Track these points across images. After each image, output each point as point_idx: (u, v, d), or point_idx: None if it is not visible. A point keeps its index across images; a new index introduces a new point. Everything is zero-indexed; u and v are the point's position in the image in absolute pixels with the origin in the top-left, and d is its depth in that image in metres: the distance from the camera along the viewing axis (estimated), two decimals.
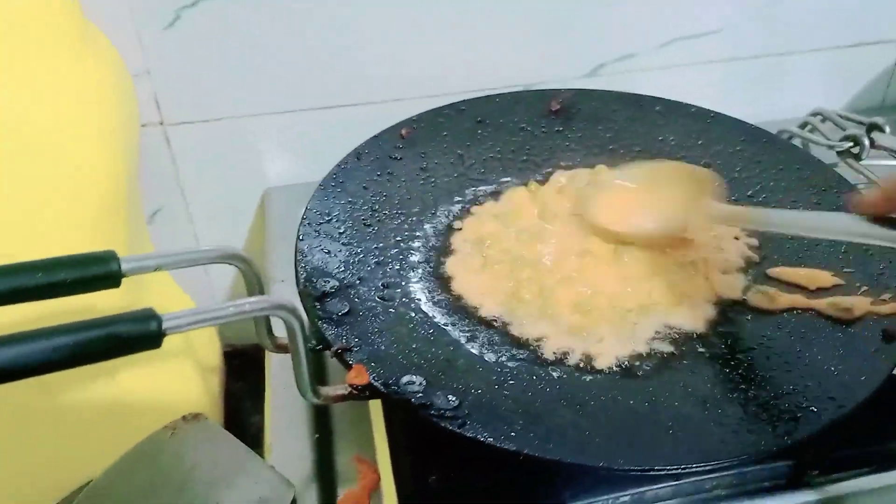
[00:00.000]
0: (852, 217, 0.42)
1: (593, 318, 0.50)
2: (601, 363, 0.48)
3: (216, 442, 0.48)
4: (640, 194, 0.57)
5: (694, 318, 0.51)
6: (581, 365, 0.48)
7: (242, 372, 0.80)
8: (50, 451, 0.59)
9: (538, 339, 0.50)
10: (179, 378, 0.66)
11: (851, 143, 0.69)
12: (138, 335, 0.33)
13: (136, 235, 0.64)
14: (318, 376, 0.55)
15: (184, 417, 0.49)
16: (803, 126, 0.75)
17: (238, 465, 0.46)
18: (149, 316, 0.33)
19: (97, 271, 0.35)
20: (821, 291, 0.52)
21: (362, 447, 0.50)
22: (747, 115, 0.69)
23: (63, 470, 0.57)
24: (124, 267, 0.36)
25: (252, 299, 0.37)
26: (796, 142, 0.74)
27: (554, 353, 0.49)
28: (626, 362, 0.48)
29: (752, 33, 0.80)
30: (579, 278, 0.53)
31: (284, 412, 0.53)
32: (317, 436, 0.51)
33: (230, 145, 0.74)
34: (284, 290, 0.62)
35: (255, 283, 0.43)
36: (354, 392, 0.43)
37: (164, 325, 0.33)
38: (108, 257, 0.36)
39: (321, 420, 0.52)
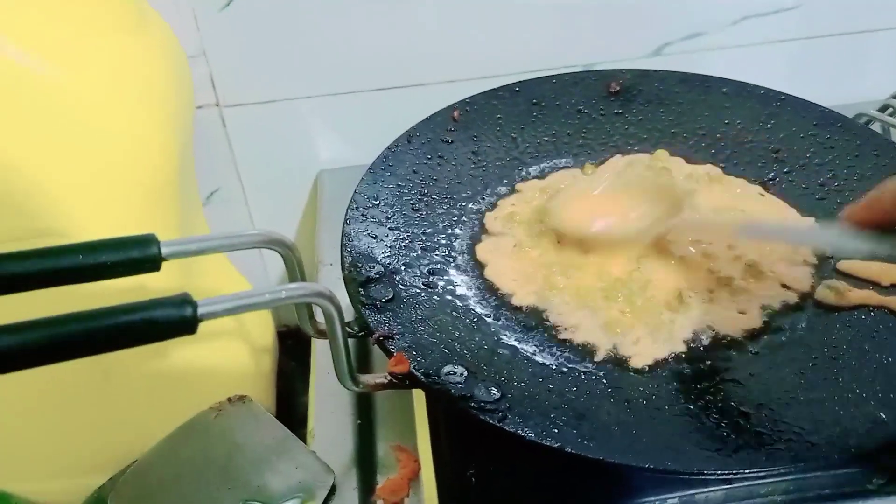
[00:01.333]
0: (837, 228, 0.39)
1: (630, 314, 0.48)
2: (637, 362, 0.46)
3: (260, 424, 0.48)
4: (608, 200, 0.55)
5: (749, 316, 0.48)
6: (624, 362, 0.46)
7: (295, 351, 0.80)
8: (104, 426, 0.61)
9: (568, 330, 0.48)
10: (231, 357, 0.66)
11: None
12: (173, 320, 0.32)
13: (190, 216, 0.65)
14: (363, 363, 0.56)
15: (229, 399, 0.49)
16: (884, 109, 0.70)
17: (280, 449, 0.46)
18: (184, 301, 0.33)
19: (137, 254, 0.36)
20: (895, 287, 0.48)
21: (404, 435, 0.49)
22: (824, 97, 0.65)
23: (117, 444, 0.59)
24: (164, 251, 0.36)
25: (291, 286, 0.37)
26: (876, 126, 0.69)
27: (583, 344, 0.47)
28: (672, 361, 0.46)
29: (830, 9, 0.75)
30: (614, 270, 0.51)
31: (328, 397, 0.53)
32: (359, 422, 0.51)
33: (285, 127, 0.74)
34: (332, 274, 0.62)
35: (296, 269, 0.42)
36: (394, 381, 0.42)
37: (200, 311, 0.33)
38: (149, 240, 0.36)
39: (364, 406, 0.52)
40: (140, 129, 0.53)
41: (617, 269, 0.51)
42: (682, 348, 0.47)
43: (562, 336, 0.48)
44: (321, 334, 0.46)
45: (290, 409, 0.73)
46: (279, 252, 0.41)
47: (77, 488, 0.60)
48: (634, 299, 0.49)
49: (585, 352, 0.47)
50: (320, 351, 0.57)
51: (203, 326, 0.63)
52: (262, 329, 0.74)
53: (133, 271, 0.36)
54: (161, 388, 0.61)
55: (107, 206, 0.51)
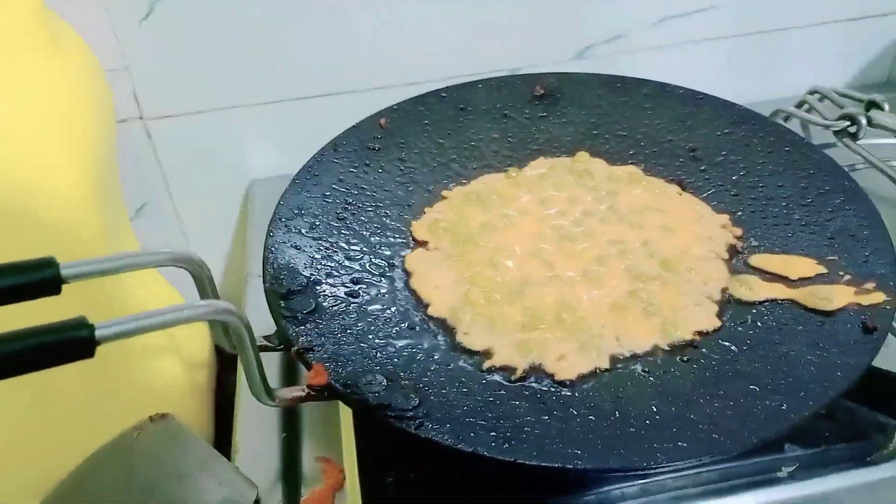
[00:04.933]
0: None
1: (551, 333, 0.48)
2: (560, 377, 0.46)
3: (182, 442, 0.47)
4: None
5: (667, 322, 0.49)
6: (545, 377, 0.46)
7: (235, 366, 0.79)
8: (35, 451, 0.59)
9: (483, 352, 0.48)
10: (165, 374, 0.65)
11: (849, 122, 0.67)
12: (69, 344, 0.32)
13: (115, 234, 0.64)
14: (290, 375, 0.56)
15: (150, 418, 0.48)
16: (800, 105, 0.72)
17: (203, 466, 0.46)
18: (80, 324, 0.32)
19: (34, 278, 0.35)
20: (803, 281, 0.50)
21: (331, 446, 0.49)
22: (745, 95, 0.67)
23: (49, 469, 0.57)
24: (65, 273, 0.36)
25: (193, 304, 0.37)
26: (794, 122, 0.71)
27: (499, 367, 0.47)
28: (596, 374, 0.46)
29: (749, 8, 0.77)
30: (541, 283, 0.51)
31: (253, 411, 0.52)
32: (284, 435, 0.51)
33: (213, 138, 0.73)
34: (260, 286, 0.62)
35: (206, 286, 0.42)
36: (312, 393, 0.43)
37: (98, 334, 0.33)
38: (45, 264, 0.35)
39: (290, 419, 0.52)
40: (52, 150, 0.52)
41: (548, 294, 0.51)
42: (606, 364, 0.47)
43: (475, 357, 0.48)
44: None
45: (229, 424, 0.73)
46: (187, 269, 0.41)
47: None
48: (563, 317, 0.49)
49: (504, 370, 0.47)
50: None
51: (135, 343, 0.61)
52: (197, 344, 0.73)
53: (32, 296, 0.35)
54: (93, 408, 0.59)
55: (16, 231, 0.49)
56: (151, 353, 0.63)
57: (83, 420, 0.59)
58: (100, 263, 0.37)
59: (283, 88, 0.72)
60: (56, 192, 0.51)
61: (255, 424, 0.52)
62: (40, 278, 0.35)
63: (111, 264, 0.37)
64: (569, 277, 0.51)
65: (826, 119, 0.69)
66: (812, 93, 0.72)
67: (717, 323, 0.49)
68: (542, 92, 0.68)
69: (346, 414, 0.49)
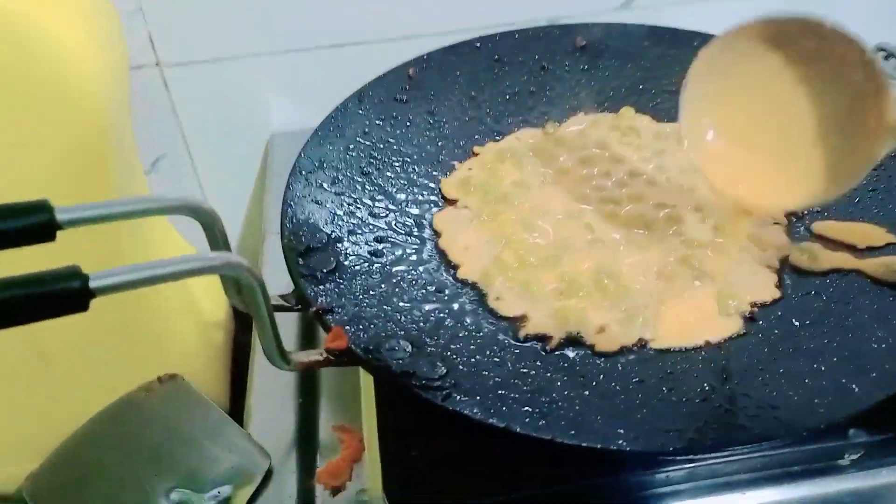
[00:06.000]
0: None
1: (591, 301, 0.44)
2: (601, 349, 0.42)
3: (191, 405, 0.45)
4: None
5: (721, 292, 0.45)
6: (583, 346, 0.43)
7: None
8: (44, 410, 0.58)
9: (516, 318, 0.44)
10: (179, 333, 0.63)
11: None
12: (61, 295, 0.29)
13: (128, 185, 0.61)
14: (309, 338, 0.53)
15: (159, 378, 0.46)
16: None
17: (213, 432, 0.43)
18: (73, 274, 0.29)
19: (27, 222, 0.32)
20: (871, 250, 0.46)
21: (350, 415, 0.46)
22: None
23: (58, 428, 0.56)
24: (60, 217, 0.32)
25: (201, 256, 0.33)
26: None
27: (534, 335, 0.43)
28: (639, 346, 0.42)
29: None
30: (580, 247, 0.47)
31: (269, 375, 0.49)
32: (301, 401, 0.48)
33: (233, 88, 0.70)
34: (277, 244, 0.59)
35: (218, 238, 0.38)
36: (331, 358, 0.39)
37: (92, 284, 0.29)
38: (40, 206, 0.32)
39: (308, 384, 0.49)
40: (67, 92, 0.48)
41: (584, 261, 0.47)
42: (650, 334, 0.43)
43: (507, 323, 0.44)
44: None
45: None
46: (197, 219, 0.37)
47: (18, 474, 0.57)
48: (605, 284, 0.45)
49: (539, 339, 0.43)
50: None
51: (147, 301, 0.59)
52: (212, 303, 0.70)
53: (26, 241, 0.32)
54: (104, 368, 0.57)
55: (26, 175, 0.47)
56: (164, 310, 0.61)
57: (89, 379, 0.57)
58: (98, 209, 0.34)
59: (308, 36, 0.68)
60: (70, 132, 0.47)
61: (270, 389, 0.49)
62: (33, 222, 0.32)
63: (110, 210, 0.34)
64: (612, 242, 0.47)
65: (893, 78, 0.63)
66: (878, 50, 0.67)
67: (777, 293, 0.44)
68: (584, 44, 0.63)
69: (367, 380, 0.46)
